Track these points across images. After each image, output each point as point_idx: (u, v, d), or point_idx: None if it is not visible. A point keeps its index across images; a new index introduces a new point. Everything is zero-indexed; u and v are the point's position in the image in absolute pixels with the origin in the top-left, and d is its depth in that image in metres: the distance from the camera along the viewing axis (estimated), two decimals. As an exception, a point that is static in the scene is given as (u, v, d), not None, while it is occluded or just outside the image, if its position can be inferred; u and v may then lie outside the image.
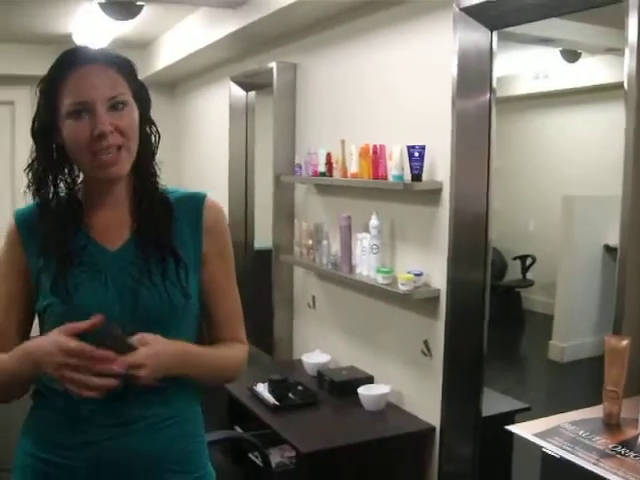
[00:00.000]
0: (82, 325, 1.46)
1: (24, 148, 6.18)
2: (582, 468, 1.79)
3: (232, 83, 5.74)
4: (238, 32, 4.84)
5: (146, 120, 1.68)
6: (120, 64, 1.61)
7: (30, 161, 1.63)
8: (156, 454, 1.61)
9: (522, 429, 2.02)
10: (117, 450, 1.57)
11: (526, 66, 7.35)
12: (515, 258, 8.17)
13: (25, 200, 1.68)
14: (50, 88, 1.57)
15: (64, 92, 1.54)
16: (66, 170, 1.64)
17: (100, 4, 4.45)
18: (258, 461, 3.70)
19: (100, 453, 1.57)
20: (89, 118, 1.53)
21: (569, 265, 6.58)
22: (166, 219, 1.67)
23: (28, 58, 6.85)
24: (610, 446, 1.89)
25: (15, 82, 7.20)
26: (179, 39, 6.01)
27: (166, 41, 6.40)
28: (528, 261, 8.07)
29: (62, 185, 1.64)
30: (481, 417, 3.50)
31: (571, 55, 6.24)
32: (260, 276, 5.42)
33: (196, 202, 1.74)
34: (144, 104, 1.67)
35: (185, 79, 7.31)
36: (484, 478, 3.56)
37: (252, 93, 5.82)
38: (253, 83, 5.60)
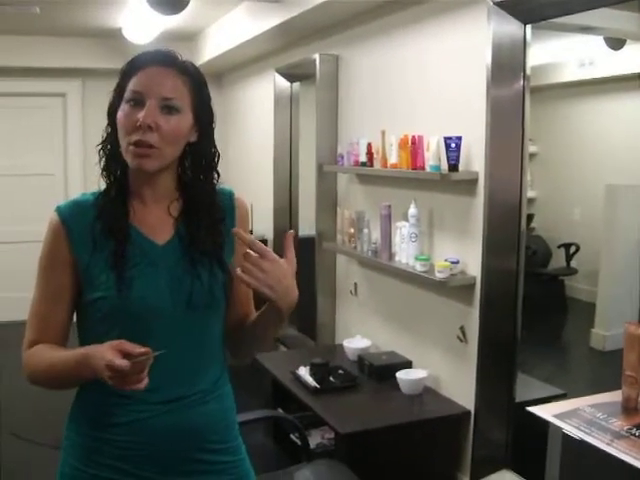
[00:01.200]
0: (133, 351, 1.49)
1: (76, 138, 6.41)
2: (596, 448, 1.88)
3: (277, 74, 5.86)
4: (281, 25, 4.96)
5: (206, 138, 1.78)
6: (191, 76, 1.72)
7: (103, 138, 1.74)
8: (202, 427, 1.73)
9: (543, 410, 2.11)
10: (165, 426, 1.68)
11: (571, 53, 7.32)
12: (559, 246, 8.14)
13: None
14: (124, 75, 1.70)
15: (132, 81, 1.67)
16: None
17: (148, 0, 4.58)
18: (298, 442, 3.82)
19: (150, 429, 1.67)
20: (139, 110, 1.64)
21: (612, 254, 6.57)
22: (220, 229, 1.77)
23: (79, 51, 7.05)
24: (625, 428, 1.98)
25: (66, 74, 7.41)
26: (225, 31, 6.15)
27: (212, 33, 6.54)
28: (572, 249, 8.04)
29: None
30: (514, 402, 3.57)
31: (615, 42, 6.21)
32: (304, 263, 5.48)
33: (229, 200, 1.84)
34: (203, 120, 1.76)
35: (231, 70, 7.45)
36: (517, 463, 3.63)
37: (296, 84, 5.93)
38: (297, 74, 5.72)
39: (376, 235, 4.23)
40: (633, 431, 1.96)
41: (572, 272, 8.10)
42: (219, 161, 1.81)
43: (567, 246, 8.08)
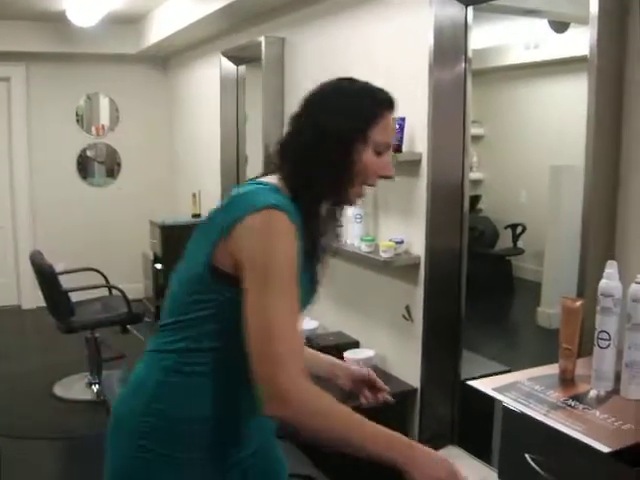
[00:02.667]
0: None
1: (20, 121, 6.31)
2: (533, 419, 1.93)
3: (223, 57, 5.85)
4: (227, 7, 4.95)
5: None
6: None
7: (327, 157, 1.70)
8: None
9: (482, 384, 2.16)
10: None
11: (517, 37, 7.41)
12: (506, 227, 8.27)
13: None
14: (372, 114, 1.74)
15: (379, 124, 1.73)
16: None
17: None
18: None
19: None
20: (384, 157, 1.75)
21: (556, 233, 6.68)
22: None
23: (22, 35, 6.96)
24: (562, 399, 2.03)
25: (11, 58, 7.30)
26: (170, 14, 6.11)
27: (158, 16, 6.49)
28: (519, 230, 8.17)
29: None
30: (460, 379, 3.64)
31: (559, 26, 6.30)
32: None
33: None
34: None
35: (177, 53, 7.41)
36: (464, 439, 3.70)
37: (242, 67, 5.93)
38: (243, 57, 5.72)
39: (322, 217, 4.24)
40: (569, 402, 2.01)
41: (519, 252, 8.23)
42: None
43: (514, 227, 8.21)
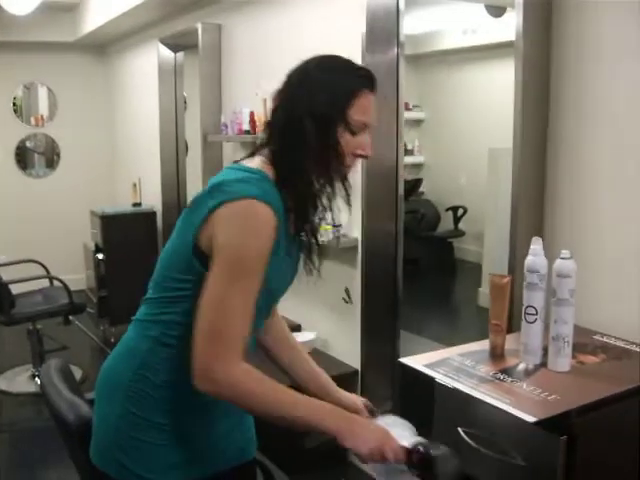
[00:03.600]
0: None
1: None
2: (463, 393, 1.98)
3: (160, 44, 5.82)
4: (163, -7, 4.94)
5: None
6: None
7: (318, 141, 1.71)
8: None
9: (414, 361, 2.22)
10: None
11: (456, 22, 7.48)
12: (447, 209, 8.35)
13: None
14: (349, 92, 1.74)
15: (356, 104, 1.72)
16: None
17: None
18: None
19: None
20: (361, 137, 1.74)
21: (494, 215, 6.75)
22: None
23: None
24: (491, 373, 2.09)
25: None
26: (106, 1, 6.05)
27: (93, 3, 6.43)
28: (460, 212, 8.25)
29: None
30: (399, 360, 3.68)
31: (496, 10, 6.38)
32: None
33: None
34: None
35: (114, 41, 7.34)
36: (405, 418, 3.75)
37: (180, 54, 5.92)
38: (180, 44, 5.71)
39: (262, 203, 4.27)
40: (498, 375, 2.07)
41: (460, 234, 8.31)
42: None
43: (455, 209, 8.28)
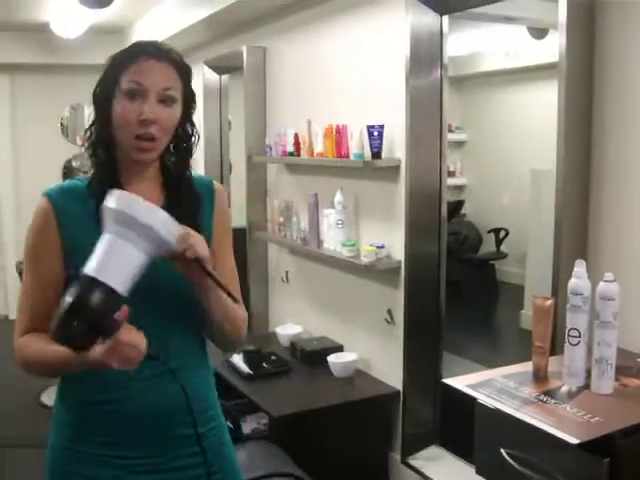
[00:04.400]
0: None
1: (5, 133, 6.32)
2: (506, 414, 1.99)
3: (205, 67, 5.90)
4: (209, 18, 5.02)
5: (190, 122, 1.86)
6: (181, 67, 1.79)
7: (89, 124, 1.79)
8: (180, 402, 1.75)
9: (457, 381, 2.23)
10: (145, 402, 1.75)
11: (497, 43, 7.49)
12: (489, 231, 8.32)
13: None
14: (118, 64, 1.73)
15: (128, 71, 1.71)
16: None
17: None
18: (231, 426, 3.88)
19: (131, 406, 1.74)
20: (140, 103, 1.69)
21: (537, 237, 6.74)
22: (197, 207, 1.85)
23: (6, 46, 6.98)
24: (534, 395, 2.09)
25: (-7, 69, 7.33)
26: (153, 25, 6.18)
27: (141, 27, 6.55)
28: (502, 234, 8.23)
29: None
30: (441, 381, 3.69)
31: (537, 32, 6.38)
32: (237, 254, 5.59)
33: (208, 186, 1.93)
34: (190, 107, 1.85)
35: (161, 63, 7.43)
36: (448, 438, 3.76)
37: (225, 77, 5.99)
38: (225, 67, 5.78)
39: (305, 223, 4.32)
40: (541, 397, 2.08)
41: (502, 256, 8.28)
42: (198, 142, 1.91)
43: (497, 231, 8.26)
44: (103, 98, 1.75)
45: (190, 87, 1.84)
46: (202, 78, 5.92)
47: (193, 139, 1.88)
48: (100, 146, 1.77)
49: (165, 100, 1.73)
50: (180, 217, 1.67)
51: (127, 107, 1.70)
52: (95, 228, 1.60)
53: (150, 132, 1.70)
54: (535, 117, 7.97)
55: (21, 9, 5.96)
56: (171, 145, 1.83)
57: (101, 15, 5.86)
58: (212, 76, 5.95)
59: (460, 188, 8.79)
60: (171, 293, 1.76)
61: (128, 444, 1.75)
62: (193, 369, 1.86)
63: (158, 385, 1.75)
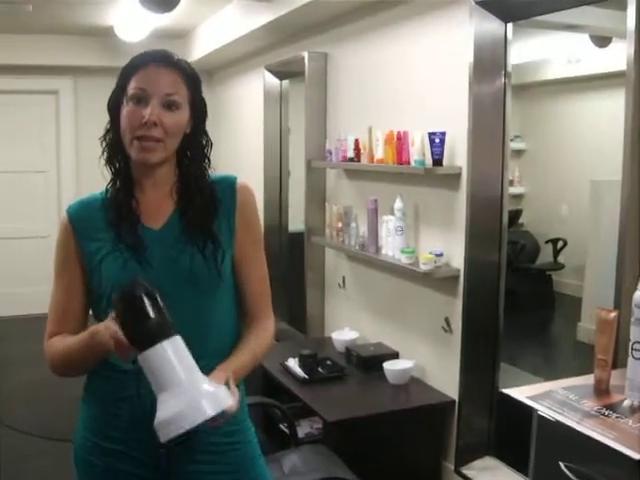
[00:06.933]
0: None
1: (69, 135, 6.44)
2: (566, 426, 1.97)
3: (266, 72, 5.95)
4: (271, 23, 5.05)
5: (201, 130, 1.90)
6: (188, 75, 1.84)
7: (105, 132, 1.87)
8: None
9: (517, 392, 2.21)
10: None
11: (559, 51, 7.41)
12: (547, 241, 8.23)
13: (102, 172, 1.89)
14: (125, 74, 1.81)
15: (135, 78, 1.78)
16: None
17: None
18: (287, 431, 3.89)
19: (150, 405, 1.69)
20: (144, 107, 1.75)
21: (597, 248, 6.65)
22: (211, 209, 1.87)
23: (71, 49, 7.12)
24: (595, 408, 2.07)
25: (59, 72, 7.48)
26: (215, 29, 6.24)
27: (203, 31, 6.63)
28: (560, 244, 8.13)
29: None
30: (498, 391, 3.66)
31: (601, 40, 6.30)
32: (294, 258, 5.63)
33: (230, 185, 1.94)
34: (199, 114, 1.89)
35: (222, 68, 7.53)
36: (503, 449, 3.73)
37: (286, 81, 6.03)
38: (286, 72, 5.81)
39: (363, 229, 4.32)
40: (602, 411, 2.05)
41: (559, 267, 8.19)
42: (211, 149, 1.93)
43: (555, 241, 8.17)
44: (114, 106, 1.83)
45: (199, 95, 1.88)
46: (263, 83, 5.97)
47: (205, 146, 1.92)
48: (115, 155, 1.85)
49: (169, 105, 1.78)
50: (192, 227, 1.82)
51: (131, 111, 1.77)
52: (110, 236, 1.79)
53: (151, 134, 1.76)
54: (596, 127, 7.88)
55: (86, 13, 6.06)
56: (188, 152, 1.88)
57: (164, 19, 5.93)
58: (273, 81, 6.00)
59: (518, 197, 8.70)
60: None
61: (147, 442, 1.75)
62: None
63: None
